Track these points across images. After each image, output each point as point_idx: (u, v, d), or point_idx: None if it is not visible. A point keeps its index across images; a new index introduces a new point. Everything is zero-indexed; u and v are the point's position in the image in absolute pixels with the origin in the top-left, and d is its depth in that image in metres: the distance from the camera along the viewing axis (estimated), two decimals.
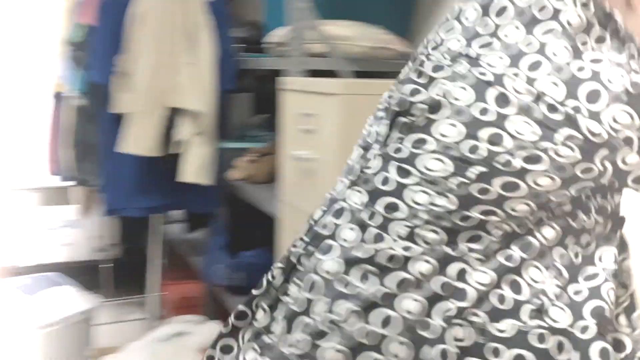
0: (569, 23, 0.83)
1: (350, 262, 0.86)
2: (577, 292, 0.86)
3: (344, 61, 1.80)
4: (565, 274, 0.86)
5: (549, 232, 0.85)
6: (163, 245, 3.09)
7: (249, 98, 2.52)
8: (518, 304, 0.84)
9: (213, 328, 2.43)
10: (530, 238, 0.85)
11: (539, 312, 0.84)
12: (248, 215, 2.27)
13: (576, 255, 0.88)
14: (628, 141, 0.79)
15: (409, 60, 0.95)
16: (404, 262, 0.84)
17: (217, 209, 2.28)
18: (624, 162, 0.81)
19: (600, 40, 0.83)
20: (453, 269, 0.84)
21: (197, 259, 2.64)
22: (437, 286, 0.84)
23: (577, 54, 0.82)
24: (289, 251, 0.96)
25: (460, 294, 0.84)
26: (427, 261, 0.84)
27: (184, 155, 1.98)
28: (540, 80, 0.80)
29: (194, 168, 1.99)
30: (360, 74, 1.83)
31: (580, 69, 0.81)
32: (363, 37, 1.78)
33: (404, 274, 0.84)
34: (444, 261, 0.84)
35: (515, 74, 0.81)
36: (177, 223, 2.94)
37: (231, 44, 2.07)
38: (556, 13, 0.83)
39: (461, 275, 0.84)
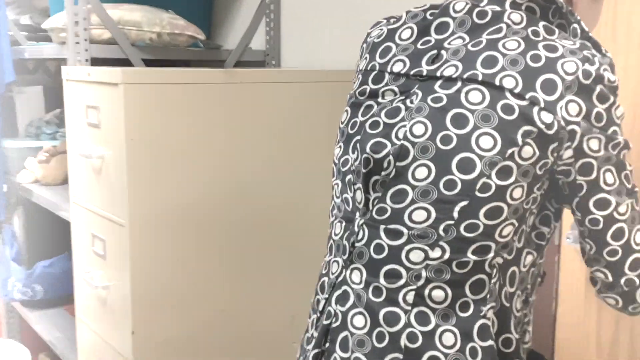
0: (513, 22, 0.80)
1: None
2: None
3: (132, 48, 1.66)
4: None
5: (529, 258, 0.84)
6: None
7: (41, 91, 2.29)
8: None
9: (14, 348, 2.22)
10: (515, 268, 0.83)
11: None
12: (44, 220, 2.07)
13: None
14: (572, 134, 0.76)
15: (348, 106, 0.90)
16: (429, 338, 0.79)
17: (4, 216, 2.06)
18: (561, 158, 0.77)
19: (550, 31, 0.80)
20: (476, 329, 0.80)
21: None
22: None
23: (529, 44, 0.78)
24: (302, 348, 0.91)
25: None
26: (450, 331, 0.79)
27: None
28: (497, 76, 0.76)
29: None
30: (153, 62, 1.71)
31: (535, 58, 0.77)
32: (151, 23, 1.66)
33: (433, 352, 0.79)
34: (465, 327, 0.79)
35: (471, 78, 0.77)
36: None
37: (7, 32, 1.85)
38: (497, 15, 0.81)
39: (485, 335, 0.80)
